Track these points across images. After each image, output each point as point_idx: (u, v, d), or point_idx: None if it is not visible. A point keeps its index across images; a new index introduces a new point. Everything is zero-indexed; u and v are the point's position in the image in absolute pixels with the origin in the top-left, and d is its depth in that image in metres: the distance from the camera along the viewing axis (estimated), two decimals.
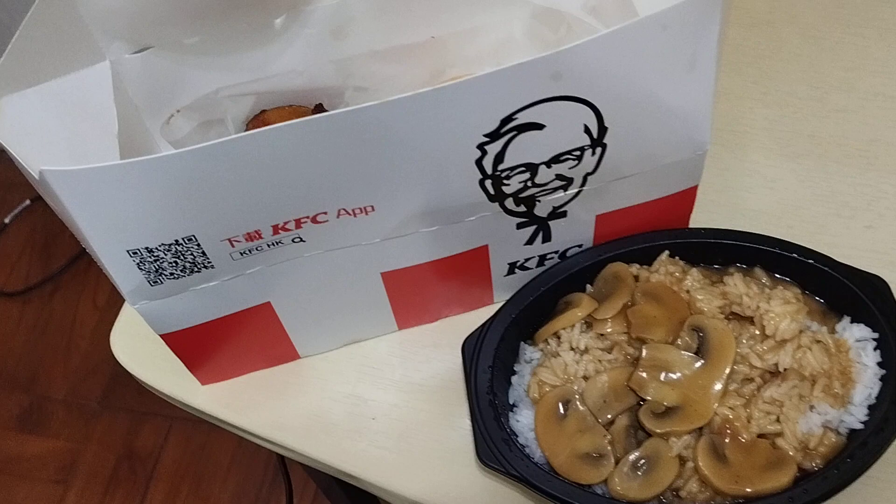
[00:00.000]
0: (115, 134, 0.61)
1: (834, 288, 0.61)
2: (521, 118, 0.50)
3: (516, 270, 0.65)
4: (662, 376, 0.58)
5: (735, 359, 0.58)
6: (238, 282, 0.57)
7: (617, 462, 0.56)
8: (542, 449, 0.58)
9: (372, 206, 0.54)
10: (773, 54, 0.80)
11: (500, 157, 0.52)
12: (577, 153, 0.54)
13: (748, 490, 0.54)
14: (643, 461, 0.56)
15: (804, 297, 0.62)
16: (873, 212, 0.69)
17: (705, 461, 0.55)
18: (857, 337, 0.59)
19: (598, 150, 0.54)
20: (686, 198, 0.63)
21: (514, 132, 0.51)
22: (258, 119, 0.72)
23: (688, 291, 0.62)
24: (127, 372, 0.70)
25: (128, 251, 0.51)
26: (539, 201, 0.58)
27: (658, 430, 0.56)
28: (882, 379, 0.57)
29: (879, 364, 0.58)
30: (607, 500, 0.56)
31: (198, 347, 0.62)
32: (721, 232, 0.64)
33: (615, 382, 0.59)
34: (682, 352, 0.58)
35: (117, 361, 0.70)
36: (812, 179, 0.72)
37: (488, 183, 0.54)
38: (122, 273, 0.53)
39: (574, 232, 0.62)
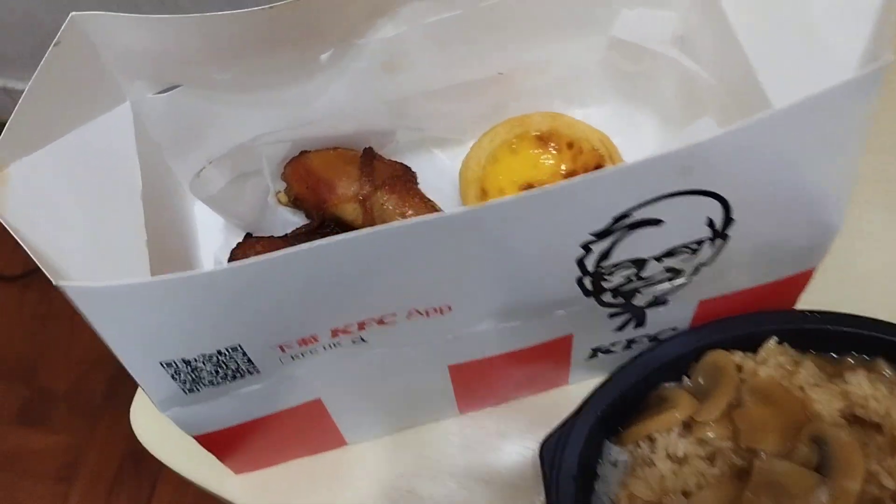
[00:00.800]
0: (138, 192, 0.52)
1: None
2: (638, 215, 0.41)
3: (599, 354, 0.57)
4: (777, 499, 0.49)
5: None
6: (286, 383, 0.48)
7: None
8: None
9: (449, 307, 0.45)
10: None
11: (605, 255, 0.43)
12: (695, 246, 0.45)
13: None
14: None
15: None
16: None
17: None
18: None
19: (719, 241, 0.45)
20: (800, 280, 0.54)
21: (627, 230, 0.42)
22: (299, 163, 0.63)
23: (801, 388, 0.53)
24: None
25: (161, 363, 0.43)
26: (640, 293, 0.49)
27: None
28: None
29: None
30: None
31: (234, 444, 0.54)
32: (837, 317, 0.55)
33: (720, 501, 0.50)
34: (801, 468, 0.50)
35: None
36: None
37: (587, 280, 0.45)
38: (154, 383, 0.44)
39: (671, 318, 0.54)
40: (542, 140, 0.64)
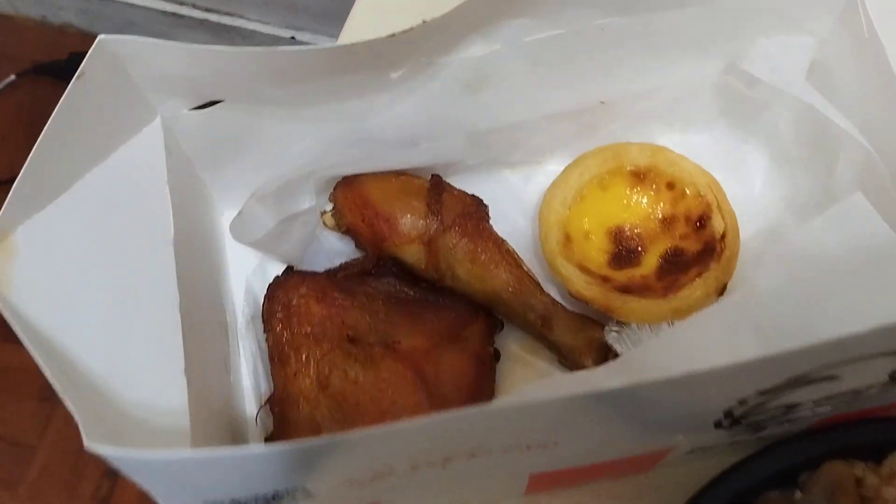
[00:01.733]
0: (170, 241, 0.43)
1: None
2: (816, 375, 0.33)
3: (696, 451, 0.49)
4: None
5: None
6: (343, 499, 0.40)
7: None
8: None
9: (556, 442, 0.37)
10: None
11: (761, 405, 0.35)
12: (865, 391, 0.37)
13: None
14: None
15: None
16: None
17: None
18: None
19: (893, 385, 0.37)
20: None
21: (799, 386, 0.33)
22: (353, 189, 0.54)
23: None
24: None
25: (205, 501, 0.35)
26: (776, 420, 0.41)
27: None
28: None
29: None
30: None
31: None
32: None
33: None
34: None
35: None
36: None
37: (725, 421, 0.37)
38: None
39: (789, 429, 0.46)
40: (638, 177, 0.55)
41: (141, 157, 0.45)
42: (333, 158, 0.51)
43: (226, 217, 0.58)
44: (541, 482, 0.47)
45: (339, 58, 0.42)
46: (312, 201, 0.51)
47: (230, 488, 0.34)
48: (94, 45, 0.38)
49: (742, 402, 0.34)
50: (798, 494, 0.48)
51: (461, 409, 0.29)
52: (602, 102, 0.52)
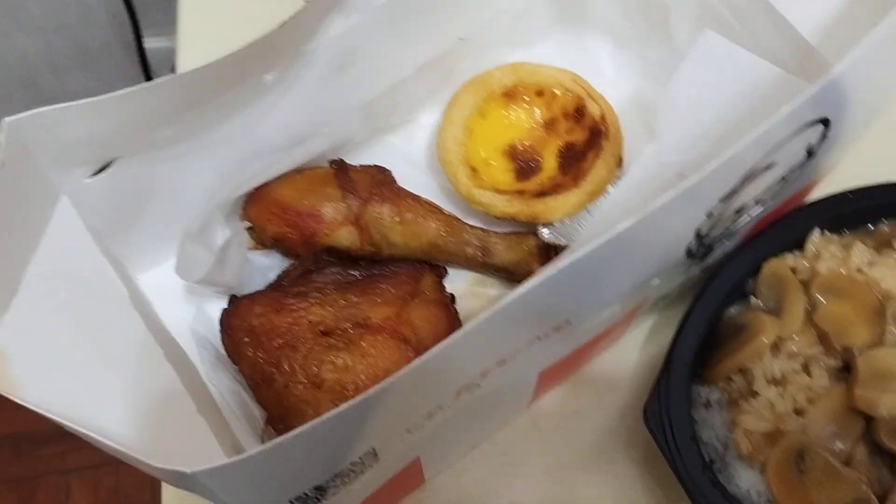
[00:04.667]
0: (127, 300, 0.43)
1: None
2: (759, 165, 0.37)
3: (658, 301, 0.54)
4: (888, 386, 0.49)
5: None
6: (397, 458, 0.42)
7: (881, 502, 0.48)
8: None
9: (567, 321, 0.40)
10: None
11: (721, 215, 0.40)
12: (789, 174, 0.42)
13: None
14: None
15: None
16: None
17: None
18: None
19: (809, 161, 0.43)
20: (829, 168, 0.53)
21: (747, 183, 0.38)
22: (264, 200, 0.55)
23: (860, 270, 0.52)
24: None
25: (291, 500, 0.36)
26: (726, 234, 0.46)
27: None
28: None
29: None
30: None
31: None
32: (873, 191, 0.54)
33: (836, 409, 0.50)
34: None
35: None
36: None
37: (694, 243, 0.42)
38: None
39: (730, 244, 0.51)
40: (510, 95, 0.59)
41: (66, 241, 0.44)
42: (235, 180, 0.52)
43: (141, 280, 0.57)
44: (545, 380, 0.51)
45: (213, 74, 0.43)
46: (224, 216, 0.52)
47: (312, 476, 0.35)
48: (4, 131, 0.37)
49: (709, 216, 0.39)
50: (752, 299, 0.54)
51: (487, 312, 0.31)
52: (460, 39, 0.55)
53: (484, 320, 0.32)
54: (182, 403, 0.41)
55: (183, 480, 0.31)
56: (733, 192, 0.38)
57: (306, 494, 0.36)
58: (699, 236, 0.41)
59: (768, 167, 0.38)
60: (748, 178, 0.38)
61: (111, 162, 0.47)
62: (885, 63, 0.39)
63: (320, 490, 0.37)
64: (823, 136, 0.41)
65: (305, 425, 0.30)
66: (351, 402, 0.31)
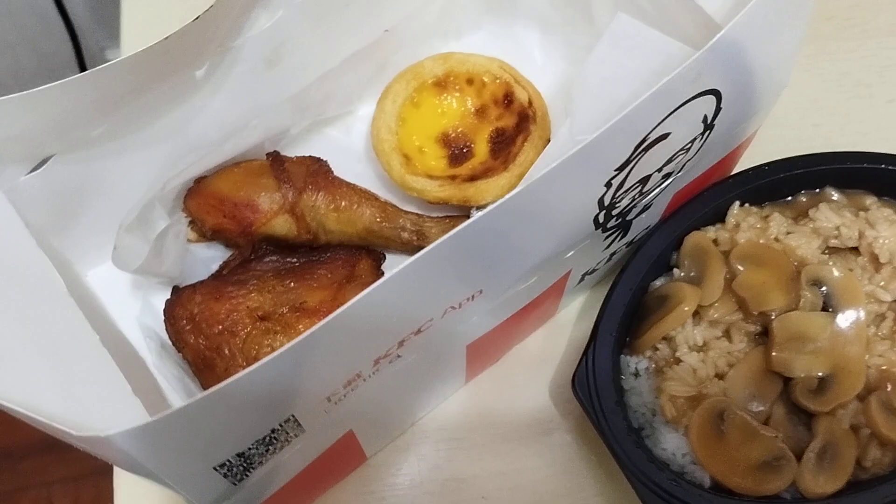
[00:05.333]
0: (64, 292, 0.45)
1: None
2: (653, 135, 0.40)
3: (586, 277, 0.56)
4: (803, 347, 0.51)
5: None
6: (325, 430, 0.44)
7: (797, 458, 0.50)
8: (713, 473, 0.50)
9: (480, 291, 0.42)
10: None
11: (621, 185, 0.42)
12: (689, 145, 0.45)
13: None
14: (825, 448, 0.50)
15: (890, 204, 0.56)
16: (887, 83, 0.65)
17: (883, 422, 0.50)
18: None
19: (707, 132, 0.45)
20: (748, 143, 0.55)
21: (643, 153, 0.40)
22: (202, 193, 0.56)
23: (777, 239, 0.55)
24: None
25: (215, 467, 0.37)
26: (636, 206, 0.48)
27: (825, 409, 0.50)
28: None
29: None
30: (802, 502, 0.50)
31: None
32: (787, 163, 0.57)
33: (754, 371, 0.52)
34: (811, 313, 0.52)
35: None
36: (817, 65, 0.66)
37: (601, 214, 0.44)
38: (203, 490, 0.39)
39: (649, 219, 0.54)
40: (441, 85, 0.61)
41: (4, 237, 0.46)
42: (169, 174, 0.54)
43: (90, 277, 0.59)
44: (476, 355, 0.53)
45: (142, 63, 0.45)
46: (166, 210, 0.54)
47: (233, 443, 0.37)
48: None
49: (609, 185, 0.41)
50: (675, 271, 0.56)
51: (391, 274, 0.33)
52: (386, 30, 0.57)
53: (386, 281, 0.34)
54: (117, 386, 0.43)
55: (101, 446, 0.32)
56: (629, 162, 0.40)
57: (230, 462, 0.38)
58: (604, 207, 0.43)
59: (663, 137, 0.40)
60: (643, 147, 0.40)
61: (47, 159, 0.49)
62: (773, 32, 0.42)
63: (244, 458, 0.38)
64: (718, 108, 0.43)
65: (217, 385, 0.32)
66: (262, 362, 0.32)
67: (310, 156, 0.58)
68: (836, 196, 0.57)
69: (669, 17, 0.52)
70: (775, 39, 0.43)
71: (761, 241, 0.55)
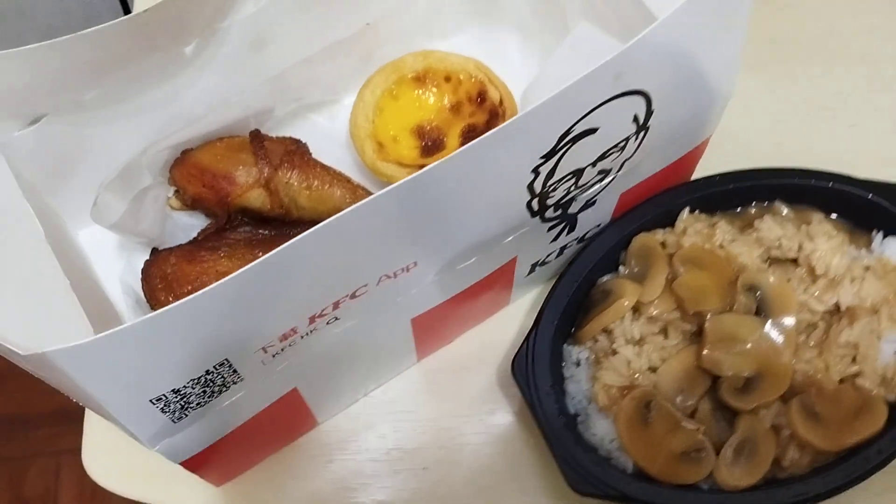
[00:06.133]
0: (42, 238, 0.49)
1: (859, 206, 0.59)
2: (578, 128, 0.43)
3: (537, 268, 0.59)
4: (733, 348, 0.54)
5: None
6: (266, 383, 0.48)
7: (716, 451, 0.53)
8: (635, 459, 0.53)
9: (415, 263, 0.45)
10: None
11: (551, 174, 0.45)
12: (623, 144, 0.48)
13: (849, 441, 0.52)
14: (743, 444, 0.53)
15: (833, 222, 0.59)
16: (851, 109, 0.67)
17: (802, 425, 0.52)
18: None
19: (642, 134, 0.48)
20: (700, 150, 0.58)
21: (570, 144, 0.44)
22: (186, 163, 0.60)
23: (721, 246, 0.58)
24: None
25: (151, 400, 0.41)
26: (576, 200, 0.51)
27: (747, 407, 0.53)
28: None
29: None
30: (719, 494, 0.52)
31: (217, 458, 0.53)
32: (737, 175, 0.60)
33: (685, 367, 0.55)
34: (744, 316, 0.55)
35: None
36: (782, 87, 0.69)
37: (535, 201, 0.47)
38: (142, 423, 0.43)
39: (597, 215, 0.57)
40: (420, 80, 0.64)
41: None
42: (152, 141, 0.58)
43: (80, 236, 0.63)
44: (424, 332, 0.56)
45: (131, 31, 0.49)
46: (153, 177, 0.58)
47: (168, 377, 0.40)
48: None
49: (535, 172, 0.44)
50: (620, 269, 0.59)
51: (317, 227, 0.37)
52: (368, 24, 0.61)
53: (312, 233, 0.37)
54: (79, 325, 0.46)
55: (42, 365, 0.36)
56: (556, 152, 0.43)
57: (166, 397, 0.41)
58: (536, 194, 0.46)
59: (590, 132, 0.44)
60: (569, 139, 0.43)
61: (40, 118, 0.53)
62: (705, 40, 0.45)
63: (181, 396, 0.42)
64: (649, 110, 0.46)
65: (150, 314, 0.36)
66: (189, 297, 0.36)
67: (290, 137, 0.62)
68: (785, 211, 0.60)
69: (629, 26, 0.55)
70: (709, 48, 0.46)
71: (706, 247, 0.58)
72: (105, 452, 0.60)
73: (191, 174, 0.60)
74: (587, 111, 0.42)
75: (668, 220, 0.60)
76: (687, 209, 0.60)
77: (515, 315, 0.62)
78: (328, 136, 0.67)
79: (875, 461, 0.51)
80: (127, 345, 0.37)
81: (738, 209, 0.61)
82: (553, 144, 0.42)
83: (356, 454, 0.59)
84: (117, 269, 0.62)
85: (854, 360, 0.54)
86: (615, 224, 0.59)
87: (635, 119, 0.46)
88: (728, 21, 0.45)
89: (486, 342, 0.61)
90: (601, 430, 0.55)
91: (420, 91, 0.64)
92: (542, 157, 0.43)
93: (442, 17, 0.67)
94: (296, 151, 0.61)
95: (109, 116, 0.56)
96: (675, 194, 0.59)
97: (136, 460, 0.58)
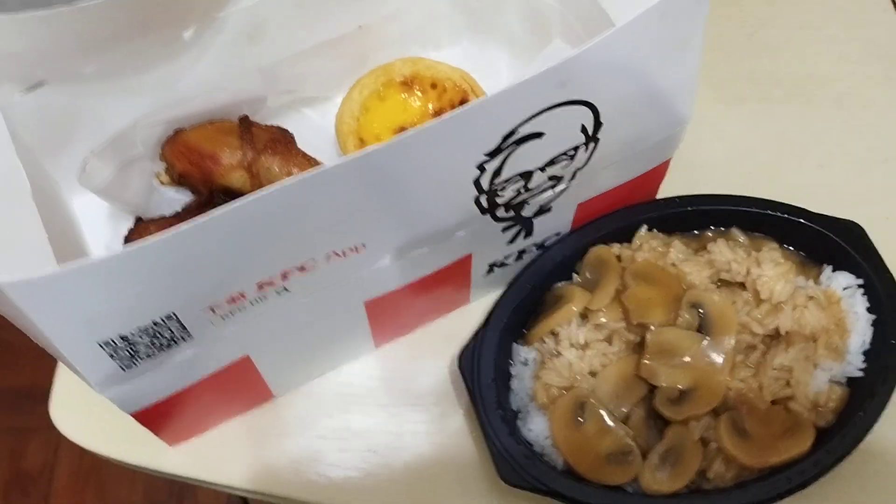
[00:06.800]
0: (29, 194, 0.52)
1: (812, 239, 0.61)
2: (522, 131, 0.46)
3: (495, 269, 0.62)
4: (671, 360, 0.56)
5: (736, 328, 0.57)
6: (217, 345, 0.51)
7: (643, 457, 0.55)
8: (565, 457, 0.55)
9: (363, 244, 0.49)
10: None
11: (497, 172, 0.48)
12: (572, 153, 0.51)
13: (774, 460, 0.54)
14: (669, 452, 0.55)
15: (784, 251, 0.61)
16: (822, 149, 0.70)
17: (729, 440, 0.54)
18: (843, 286, 0.59)
19: (592, 145, 0.51)
20: (660, 171, 0.61)
21: (515, 145, 0.46)
22: (177, 141, 0.64)
23: (674, 265, 0.60)
24: None
25: (99, 343, 0.44)
26: (528, 203, 0.54)
27: (678, 417, 0.55)
28: (873, 324, 0.58)
29: (868, 310, 0.59)
30: (642, 498, 0.54)
31: (169, 415, 0.56)
32: (696, 198, 0.62)
33: (624, 374, 0.57)
34: (686, 331, 0.57)
35: None
36: (759, 123, 0.71)
37: (483, 198, 0.50)
38: (91, 366, 0.46)
39: (555, 223, 0.59)
40: (407, 84, 0.68)
41: None
42: (154, 117, 0.62)
43: (76, 203, 0.67)
44: (379, 318, 0.59)
45: (133, 9, 0.52)
46: (146, 151, 0.61)
47: (115, 322, 0.43)
48: None
49: (481, 168, 0.47)
50: (575, 277, 0.62)
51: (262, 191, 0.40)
52: (360, 27, 0.65)
53: (253, 198, 0.40)
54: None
55: None
56: (501, 151, 0.46)
57: (114, 342, 0.44)
58: (483, 191, 0.49)
59: (536, 136, 0.46)
60: (514, 140, 0.46)
61: (41, 83, 0.57)
62: (655, 58, 0.47)
63: (129, 343, 0.45)
64: (598, 122, 0.49)
65: (99, 255, 0.39)
66: (138, 243, 0.39)
67: (278, 126, 0.66)
68: (741, 238, 0.62)
69: None
70: (661, 68, 0.48)
71: (659, 264, 0.60)
72: (73, 405, 0.63)
73: (180, 151, 0.63)
74: (531, 115, 0.45)
75: (626, 236, 0.62)
76: (645, 227, 0.62)
77: (475, 314, 0.65)
78: (316, 131, 0.70)
79: (796, 482, 0.53)
80: (77, 284, 0.40)
81: (696, 232, 0.63)
82: (497, 143, 0.45)
83: (307, 430, 0.61)
84: (105, 237, 0.66)
85: (788, 383, 0.56)
86: (574, 234, 0.62)
87: (584, 129, 0.49)
88: (681, 43, 0.48)
89: (445, 337, 0.64)
90: (537, 427, 0.57)
91: (406, 95, 0.68)
92: (486, 155, 0.46)
93: (436, 28, 0.70)
94: (281, 140, 0.64)
95: (108, 90, 0.60)
96: (634, 211, 0.62)
97: (101, 415, 0.61)
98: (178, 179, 0.65)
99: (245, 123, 0.64)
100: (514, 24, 0.70)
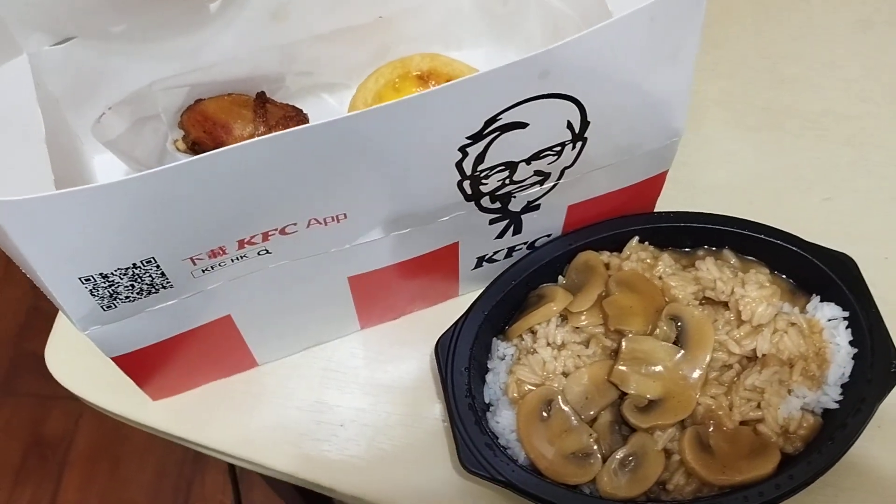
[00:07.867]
0: (42, 139, 0.55)
1: (802, 267, 0.61)
2: (506, 118, 0.47)
3: (484, 263, 0.63)
4: (643, 369, 0.57)
5: (713, 346, 0.57)
6: (198, 298, 0.53)
7: (604, 460, 0.55)
8: (527, 451, 0.56)
9: (344, 214, 0.50)
10: (720, 20, 0.79)
11: (480, 158, 0.49)
12: (558, 149, 0.52)
13: (735, 479, 0.54)
14: (630, 458, 0.55)
15: (774, 277, 0.61)
16: (829, 183, 0.70)
17: (692, 454, 0.54)
18: (828, 316, 0.59)
19: (579, 144, 0.52)
20: (656, 183, 0.61)
21: (498, 132, 0.48)
22: (194, 110, 0.66)
23: (660, 278, 0.60)
24: (30, 354, 0.64)
25: (80, 278, 0.46)
26: (515, 197, 0.55)
27: (643, 426, 0.55)
28: (854, 357, 0.58)
29: (851, 343, 0.58)
30: (597, 499, 0.55)
31: (151, 366, 0.58)
32: (689, 215, 0.63)
33: (596, 378, 0.58)
34: (662, 342, 0.57)
35: (17, 343, 0.64)
36: (768, 152, 0.71)
37: (466, 184, 0.51)
38: (72, 300, 0.48)
39: (545, 223, 0.60)
40: (423, 79, 0.69)
41: (12, 86, 0.57)
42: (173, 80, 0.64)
43: (96, 161, 0.70)
44: (364, 296, 0.60)
45: None
46: (157, 110, 0.64)
47: (95, 258, 0.45)
48: None
49: (462, 152, 0.48)
50: (560, 278, 0.62)
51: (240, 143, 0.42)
52: (380, 17, 0.67)
53: (233, 147, 0.42)
54: None
55: None
56: (483, 136, 0.47)
57: (94, 278, 0.46)
58: (466, 176, 0.50)
59: (520, 125, 0.48)
60: (496, 127, 0.47)
61: (70, 38, 0.60)
62: (642, 64, 0.48)
63: (109, 283, 0.47)
64: (584, 120, 0.50)
65: (82, 186, 0.41)
66: (123, 178, 0.41)
67: (293, 106, 0.68)
68: (732, 260, 0.63)
69: None
70: (650, 74, 0.49)
71: (645, 275, 0.61)
72: (66, 351, 0.65)
73: (196, 120, 0.66)
74: (513, 103, 0.46)
75: (618, 246, 0.63)
76: (637, 238, 0.63)
77: (461, 305, 0.65)
78: (333, 115, 0.72)
79: (754, 502, 0.53)
80: (60, 212, 0.42)
81: (689, 249, 0.63)
82: (479, 128, 0.47)
83: (283, 398, 0.63)
84: None
85: (759, 405, 0.56)
86: (564, 237, 0.63)
87: (570, 126, 0.50)
88: (672, 51, 0.49)
89: (431, 325, 0.64)
90: (504, 420, 0.58)
91: (421, 89, 0.69)
92: (468, 138, 0.47)
93: (459, 27, 0.72)
94: (294, 118, 0.66)
95: (133, 52, 0.63)
96: (627, 221, 0.63)
97: (90, 364, 0.63)
98: (192, 146, 0.67)
99: (260, 99, 0.66)
100: (536, 31, 0.71)
